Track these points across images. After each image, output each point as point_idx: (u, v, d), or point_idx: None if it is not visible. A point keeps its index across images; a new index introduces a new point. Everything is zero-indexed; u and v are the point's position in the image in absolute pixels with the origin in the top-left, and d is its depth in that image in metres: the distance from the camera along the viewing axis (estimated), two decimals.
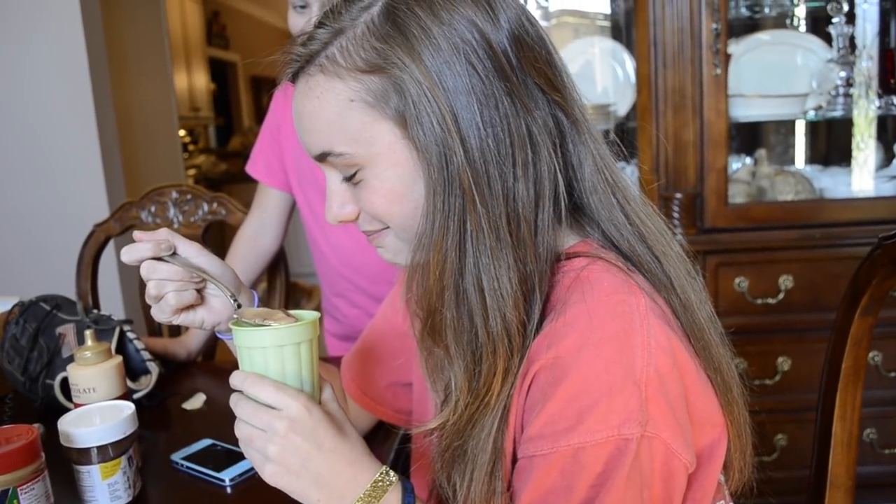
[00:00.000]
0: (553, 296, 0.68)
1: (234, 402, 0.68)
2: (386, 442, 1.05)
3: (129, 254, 0.80)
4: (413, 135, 0.66)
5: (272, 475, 0.66)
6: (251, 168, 1.66)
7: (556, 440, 0.62)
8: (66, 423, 0.89)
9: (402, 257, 0.74)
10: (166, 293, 0.81)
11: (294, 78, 0.71)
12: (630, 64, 2.05)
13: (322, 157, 0.71)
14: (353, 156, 0.68)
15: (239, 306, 0.79)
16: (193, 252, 0.82)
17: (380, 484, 0.67)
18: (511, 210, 0.66)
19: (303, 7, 1.36)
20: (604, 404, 0.60)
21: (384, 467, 0.68)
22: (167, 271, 0.81)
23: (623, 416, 0.60)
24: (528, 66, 0.67)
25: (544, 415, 0.63)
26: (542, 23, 1.60)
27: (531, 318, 0.67)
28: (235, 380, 0.68)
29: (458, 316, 0.67)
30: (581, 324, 0.63)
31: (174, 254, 0.81)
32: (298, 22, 1.37)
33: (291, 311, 0.73)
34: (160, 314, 0.83)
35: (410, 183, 0.68)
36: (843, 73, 2.02)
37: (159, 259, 0.80)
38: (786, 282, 1.91)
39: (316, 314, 0.72)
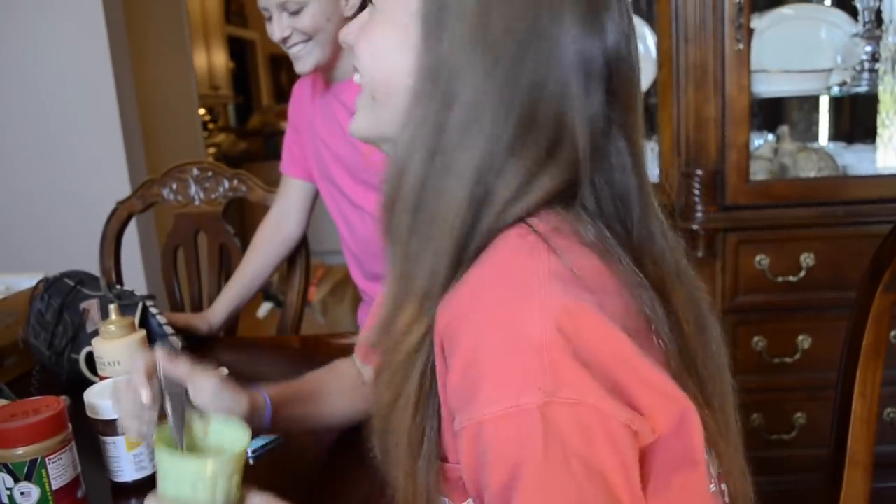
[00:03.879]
0: None
1: None
2: None
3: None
4: (422, 31, 0.62)
5: None
6: (283, 166, 1.68)
7: (462, 414, 0.57)
8: (92, 395, 0.91)
9: (365, 126, 0.70)
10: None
11: None
12: (651, 39, 2.02)
13: None
14: None
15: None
16: (209, 396, 0.78)
17: None
18: (483, 157, 0.60)
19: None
20: (498, 372, 0.54)
21: None
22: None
23: (520, 384, 0.53)
24: (614, 80, 0.62)
25: (450, 386, 0.58)
26: None
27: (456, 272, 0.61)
28: None
29: (410, 220, 0.63)
30: (471, 288, 0.59)
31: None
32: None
33: (218, 420, 0.73)
34: None
35: (395, 53, 0.65)
36: (868, 48, 1.98)
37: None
38: (807, 259, 1.89)
39: (246, 438, 0.69)
